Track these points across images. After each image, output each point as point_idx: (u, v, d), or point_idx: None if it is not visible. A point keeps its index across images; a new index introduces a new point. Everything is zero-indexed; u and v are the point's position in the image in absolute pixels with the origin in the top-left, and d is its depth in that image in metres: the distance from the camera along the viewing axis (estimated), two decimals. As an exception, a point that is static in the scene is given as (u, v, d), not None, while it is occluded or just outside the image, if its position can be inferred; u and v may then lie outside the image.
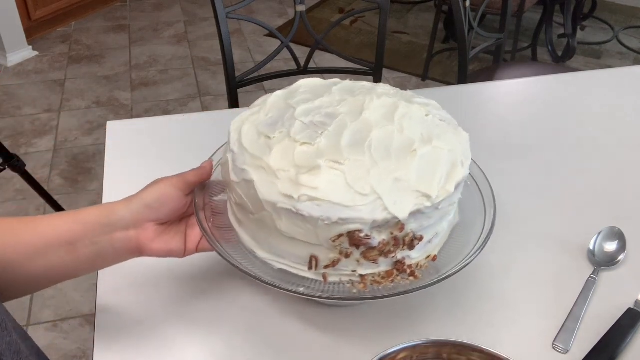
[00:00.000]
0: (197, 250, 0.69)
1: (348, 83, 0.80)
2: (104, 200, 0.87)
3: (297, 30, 1.52)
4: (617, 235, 0.82)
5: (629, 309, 0.73)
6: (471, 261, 0.66)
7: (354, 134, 0.68)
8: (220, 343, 0.69)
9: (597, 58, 3.18)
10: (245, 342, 0.69)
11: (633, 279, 0.78)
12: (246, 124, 0.70)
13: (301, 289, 0.65)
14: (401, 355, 0.59)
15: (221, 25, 1.44)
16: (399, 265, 0.66)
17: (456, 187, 0.66)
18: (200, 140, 1.02)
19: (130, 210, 0.64)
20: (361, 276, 0.66)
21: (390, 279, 0.66)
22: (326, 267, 0.65)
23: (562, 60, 3.01)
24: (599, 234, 0.83)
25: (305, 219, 0.61)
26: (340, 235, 0.62)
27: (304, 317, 0.72)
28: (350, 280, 0.66)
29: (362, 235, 0.62)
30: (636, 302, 0.74)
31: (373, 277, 0.66)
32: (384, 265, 0.66)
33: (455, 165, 0.68)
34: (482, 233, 0.70)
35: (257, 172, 0.64)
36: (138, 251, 0.66)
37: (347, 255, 0.64)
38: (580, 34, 3.33)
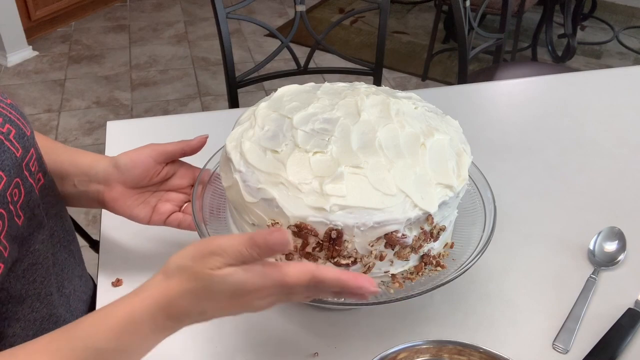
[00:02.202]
0: (165, 224, 0.73)
1: (328, 85, 0.79)
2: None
3: (297, 30, 1.52)
4: (617, 235, 0.82)
5: (629, 309, 0.73)
6: (471, 265, 0.66)
7: (361, 136, 0.68)
8: (221, 343, 0.69)
9: (597, 58, 3.18)
10: (245, 342, 0.69)
11: (633, 279, 0.78)
12: (245, 141, 0.68)
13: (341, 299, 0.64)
14: (401, 356, 0.60)
15: (221, 25, 1.44)
16: (425, 258, 0.67)
17: None
18: (200, 140, 1.02)
19: (104, 167, 0.71)
20: (392, 275, 0.66)
21: (420, 273, 0.67)
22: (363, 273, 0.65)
23: (562, 60, 3.01)
24: (599, 234, 0.83)
25: (338, 227, 0.60)
26: (378, 239, 0.62)
27: (305, 317, 0.72)
28: (382, 281, 0.67)
29: (398, 235, 0.62)
30: (636, 302, 0.74)
31: (403, 275, 0.67)
32: (412, 261, 0.67)
33: (460, 154, 0.70)
34: (482, 235, 0.70)
35: (276, 188, 0.62)
36: (102, 205, 0.72)
37: (382, 258, 0.64)
38: (580, 34, 3.33)
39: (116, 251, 0.80)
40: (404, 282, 0.66)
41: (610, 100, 1.18)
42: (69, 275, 0.74)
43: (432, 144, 0.69)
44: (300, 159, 0.64)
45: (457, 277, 0.65)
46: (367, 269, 0.64)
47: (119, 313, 0.52)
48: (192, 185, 0.76)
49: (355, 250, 0.62)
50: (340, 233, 0.61)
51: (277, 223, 0.62)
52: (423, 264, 0.67)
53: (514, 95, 1.22)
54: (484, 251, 0.67)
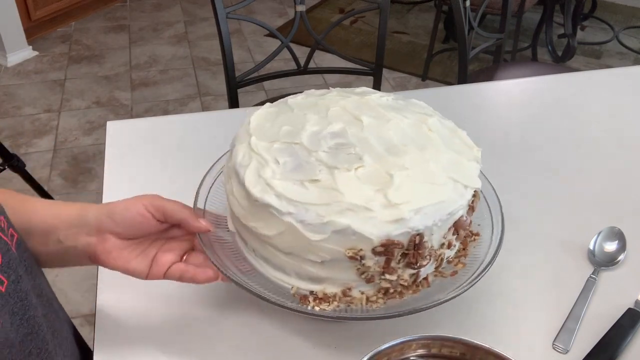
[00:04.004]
0: (165, 276, 0.65)
1: (294, 101, 0.75)
2: (104, 200, 0.87)
3: (297, 30, 1.52)
4: (617, 235, 0.82)
5: (629, 309, 0.73)
6: (482, 277, 0.66)
7: (379, 140, 0.69)
8: (220, 343, 0.69)
9: (597, 58, 3.17)
10: (245, 342, 0.69)
11: (633, 279, 0.78)
12: (272, 181, 0.62)
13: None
14: (395, 353, 0.60)
15: (221, 25, 1.44)
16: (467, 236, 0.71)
17: None
18: (200, 140, 1.02)
19: (95, 216, 0.63)
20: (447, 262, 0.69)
21: (466, 249, 0.70)
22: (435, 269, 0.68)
23: (562, 60, 3.01)
24: (599, 234, 0.83)
25: (420, 231, 0.61)
26: (449, 229, 0.64)
27: (305, 317, 0.71)
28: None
29: (464, 219, 0.65)
30: (636, 302, 0.74)
31: (456, 255, 0.70)
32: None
33: (454, 129, 0.74)
34: (491, 242, 0.70)
35: (345, 215, 0.59)
36: (95, 260, 0.64)
37: (450, 246, 0.66)
38: (580, 34, 3.33)
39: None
40: (433, 280, 0.68)
41: (610, 100, 1.18)
42: (59, 341, 0.64)
43: (432, 127, 0.71)
44: (347, 179, 0.62)
45: (467, 290, 0.65)
46: (440, 262, 0.66)
47: None
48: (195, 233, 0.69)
49: (431, 247, 0.63)
50: (422, 236, 0.61)
51: (361, 250, 0.60)
52: (466, 239, 0.71)
53: (514, 95, 1.22)
54: (493, 261, 0.67)
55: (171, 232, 0.68)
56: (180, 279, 0.65)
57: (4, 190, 0.65)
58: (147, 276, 0.64)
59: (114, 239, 0.63)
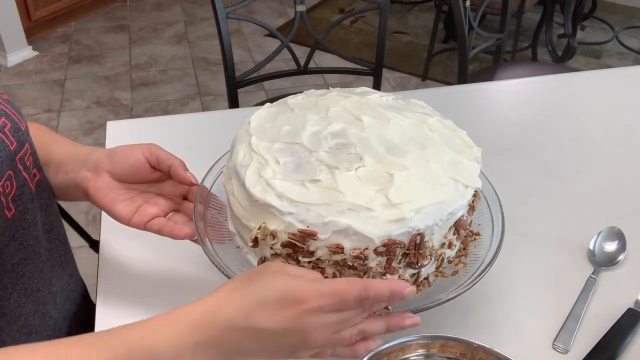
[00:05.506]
0: (145, 227, 0.68)
1: (294, 101, 0.75)
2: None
3: (297, 30, 1.52)
4: (617, 235, 0.82)
5: (629, 309, 0.73)
6: (483, 276, 0.66)
7: (380, 140, 0.68)
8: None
9: (597, 58, 3.18)
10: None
11: (633, 279, 0.78)
12: (273, 181, 0.62)
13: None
14: (394, 353, 0.60)
15: (221, 25, 1.44)
16: (467, 236, 0.71)
17: None
18: (200, 140, 1.02)
19: (98, 155, 0.69)
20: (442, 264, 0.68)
21: (467, 249, 0.70)
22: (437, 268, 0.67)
23: (562, 60, 3.01)
24: (599, 234, 0.83)
25: (421, 231, 0.61)
26: (450, 229, 0.64)
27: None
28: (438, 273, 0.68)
29: (464, 219, 0.65)
30: (636, 302, 0.74)
31: (456, 255, 0.70)
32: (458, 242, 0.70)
33: (454, 128, 0.74)
34: (491, 241, 0.70)
35: (346, 215, 0.59)
36: (86, 194, 0.69)
37: (450, 246, 0.66)
38: (580, 34, 3.33)
39: (116, 251, 0.80)
40: (435, 279, 0.68)
41: (610, 100, 1.18)
42: (58, 273, 0.73)
43: (433, 127, 0.71)
44: (348, 179, 0.62)
45: (469, 289, 0.65)
46: (441, 262, 0.66)
47: (168, 315, 0.52)
48: (183, 195, 0.73)
49: (432, 247, 0.63)
50: (423, 236, 0.61)
51: (367, 249, 0.60)
52: (467, 239, 0.70)
53: (514, 95, 1.22)
54: (494, 260, 0.67)
55: (161, 188, 0.72)
56: (160, 231, 0.68)
57: (37, 125, 0.73)
58: (129, 222, 0.68)
59: (107, 178, 0.68)
